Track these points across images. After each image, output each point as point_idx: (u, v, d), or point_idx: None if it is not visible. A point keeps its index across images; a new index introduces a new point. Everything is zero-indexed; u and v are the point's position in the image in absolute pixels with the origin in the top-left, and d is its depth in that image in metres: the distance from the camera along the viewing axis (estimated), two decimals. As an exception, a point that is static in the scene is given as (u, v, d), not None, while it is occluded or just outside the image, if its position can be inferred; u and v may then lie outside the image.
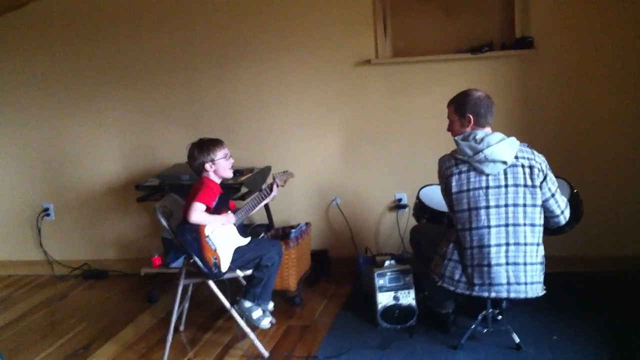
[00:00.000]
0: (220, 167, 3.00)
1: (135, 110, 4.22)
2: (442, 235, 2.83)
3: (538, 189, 2.61)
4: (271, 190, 3.17)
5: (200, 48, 4.04)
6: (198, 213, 2.87)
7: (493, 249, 2.61)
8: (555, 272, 2.85)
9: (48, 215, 4.45)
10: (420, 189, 3.37)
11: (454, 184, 2.65)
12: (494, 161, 2.59)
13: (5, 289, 4.29)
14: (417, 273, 3.15)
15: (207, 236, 2.91)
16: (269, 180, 3.20)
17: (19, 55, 4.31)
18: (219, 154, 2.99)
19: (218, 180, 3.04)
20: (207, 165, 2.98)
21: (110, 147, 4.30)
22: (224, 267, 2.95)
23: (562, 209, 2.70)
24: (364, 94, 3.89)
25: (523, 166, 2.62)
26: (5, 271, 4.55)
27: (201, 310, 3.53)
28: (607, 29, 3.52)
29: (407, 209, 3.86)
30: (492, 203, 2.61)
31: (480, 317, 2.82)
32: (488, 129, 2.71)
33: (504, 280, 2.61)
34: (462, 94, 2.76)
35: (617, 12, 3.49)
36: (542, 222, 2.66)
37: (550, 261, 2.77)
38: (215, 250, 2.92)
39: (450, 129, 2.82)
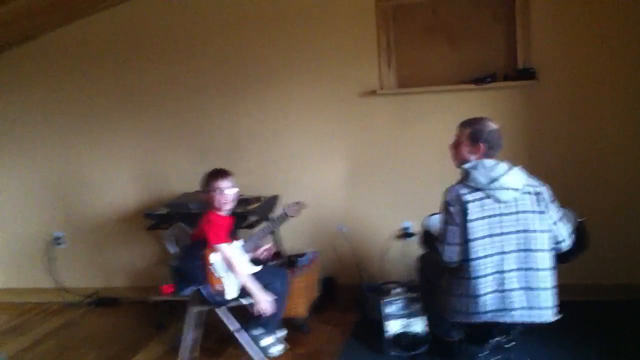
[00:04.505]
0: (213, 199, 3.05)
1: (147, 139, 4.30)
2: (449, 267, 2.85)
3: (545, 215, 2.66)
4: (281, 221, 3.20)
5: (209, 78, 4.14)
6: (228, 253, 2.93)
7: (508, 275, 2.64)
8: (565, 300, 2.86)
9: (59, 243, 4.51)
10: (426, 217, 3.41)
11: (471, 211, 2.65)
12: (508, 189, 2.64)
13: (18, 317, 4.33)
14: (424, 301, 3.17)
15: (212, 264, 2.96)
16: (279, 210, 3.25)
17: (32, 85, 4.41)
18: (214, 185, 3.05)
19: (223, 212, 3.08)
20: (203, 196, 3.06)
21: (120, 175, 4.38)
22: (229, 295, 2.98)
23: (564, 236, 2.74)
24: (369, 124, 3.96)
25: (530, 193, 2.67)
26: (17, 299, 4.60)
27: (210, 336, 3.53)
28: (609, 60, 3.59)
29: (413, 238, 3.90)
30: (506, 229, 2.64)
31: (488, 345, 2.83)
32: (493, 160, 2.77)
33: (518, 305, 2.64)
34: (479, 121, 2.79)
35: (618, 42, 3.56)
36: (551, 247, 2.70)
37: (560, 289, 2.79)
38: (219, 278, 2.96)
39: (454, 148, 2.85)
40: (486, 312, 2.66)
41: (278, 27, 3.99)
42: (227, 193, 3.06)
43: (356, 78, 3.93)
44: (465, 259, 2.69)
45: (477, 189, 2.68)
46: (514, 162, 2.80)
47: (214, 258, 2.97)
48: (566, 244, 2.76)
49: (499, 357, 2.86)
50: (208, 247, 2.97)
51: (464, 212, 2.67)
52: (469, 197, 2.68)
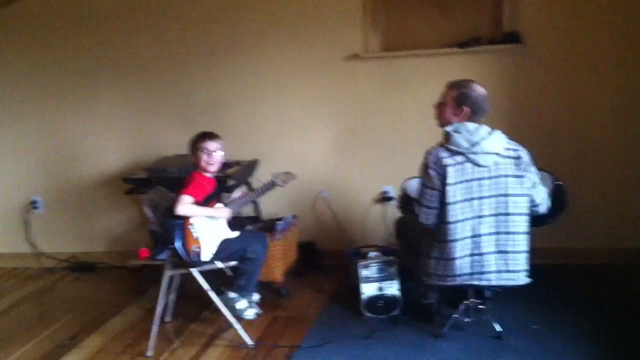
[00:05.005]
0: (199, 159, 3.05)
1: (127, 103, 4.23)
2: (426, 230, 2.84)
3: (525, 179, 2.65)
4: (268, 189, 3.18)
5: (192, 43, 4.06)
6: (183, 205, 2.90)
7: (485, 238, 2.64)
8: (540, 263, 2.88)
9: (36, 207, 4.45)
10: (405, 180, 3.39)
11: (451, 174, 2.64)
12: (488, 153, 2.62)
13: (-6, 281, 4.31)
14: (402, 264, 3.17)
15: (191, 224, 2.94)
16: (265, 174, 3.21)
17: (12, 49, 4.31)
18: (201, 146, 3.05)
19: (209, 174, 3.07)
20: (193, 157, 3.05)
21: (99, 139, 4.31)
22: (206, 256, 2.97)
23: (542, 197, 2.73)
24: (353, 88, 3.91)
25: (511, 157, 2.65)
26: (-7, 263, 4.56)
27: (188, 302, 3.52)
28: (596, 24, 3.55)
29: (393, 201, 3.88)
30: (485, 193, 2.63)
31: (462, 306, 2.84)
32: (475, 123, 2.73)
33: (494, 268, 2.65)
34: (466, 84, 2.76)
35: (606, 7, 3.52)
36: (528, 211, 2.69)
37: (536, 253, 2.79)
38: (197, 239, 2.94)
39: (438, 108, 2.82)
40: (461, 275, 2.68)
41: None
42: (215, 155, 3.06)
43: (340, 41, 3.86)
44: (442, 222, 2.68)
45: (457, 152, 2.65)
46: (496, 125, 2.77)
47: (194, 218, 2.94)
48: (543, 207, 2.76)
49: (472, 319, 2.87)
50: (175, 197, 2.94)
51: (443, 175, 2.65)
52: (449, 160, 2.65)
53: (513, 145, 2.70)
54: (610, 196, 3.69)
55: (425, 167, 2.73)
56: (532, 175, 2.70)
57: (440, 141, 2.74)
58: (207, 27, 4.02)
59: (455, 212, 2.65)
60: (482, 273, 2.66)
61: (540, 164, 2.76)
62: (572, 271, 3.59)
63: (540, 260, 2.85)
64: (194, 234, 2.94)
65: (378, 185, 3.96)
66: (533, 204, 2.71)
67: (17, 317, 3.62)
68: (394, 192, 3.90)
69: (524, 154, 2.68)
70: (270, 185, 3.20)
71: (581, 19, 3.56)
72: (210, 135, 3.11)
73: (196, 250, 2.93)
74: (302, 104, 3.99)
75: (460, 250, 2.66)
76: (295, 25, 3.90)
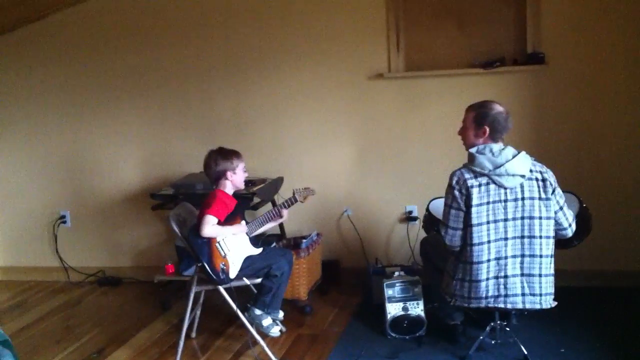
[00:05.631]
0: (239, 177, 3.07)
1: (153, 119, 4.31)
2: (451, 251, 2.85)
3: (551, 201, 2.64)
4: (289, 204, 3.20)
5: (216, 60, 4.12)
6: (209, 226, 2.92)
7: (510, 261, 2.64)
8: (566, 285, 2.87)
9: (64, 222, 4.54)
10: (430, 201, 3.41)
11: (475, 196, 2.65)
12: (513, 175, 2.62)
13: (22, 293, 4.37)
14: (427, 284, 3.17)
15: (218, 242, 2.97)
16: (288, 191, 3.24)
17: (41, 64, 4.41)
18: (240, 164, 3.07)
19: (231, 192, 3.09)
20: (229, 174, 3.04)
21: (127, 155, 4.38)
22: (232, 274, 3.00)
23: (569, 222, 2.73)
24: (376, 107, 3.94)
25: (537, 179, 2.65)
26: (22, 277, 4.63)
27: (213, 318, 3.57)
28: (618, 45, 3.55)
29: (417, 221, 3.89)
30: (510, 216, 2.64)
31: (488, 328, 2.84)
32: (501, 144, 2.75)
33: (519, 291, 2.65)
34: (484, 104, 2.78)
35: (629, 28, 3.52)
36: (554, 234, 2.68)
37: (562, 275, 2.78)
38: (224, 257, 2.98)
39: (462, 134, 2.85)
40: (486, 297, 2.67)
41: (285, 7, 3.97)
42: (244, 173, 3.09)
43: (364, 61, 3.91)
44: (467, 244, 2.68)
45: (482, 174, 2.66)
46: (519, 145, 2.78)
47: (221, 237, 2.98)
48: (570, 231, 2.74)
49: (498, 340, 2.86)
50: (199, 217, 2.97)
51: (468, 196, 2.66)
52: (473, 181, 2.67)
53: (539, 167, 2.70)
54: (633, 218, 3.65)
55: (451, 188, 2.74)
56: (559, 198, 2.69)
57: (465, 163, 2.76)
58: (231, 44, 4.08)
59: (480, 234, 2.66)
60: (507, 296, 2.66)
61: (563, 185, 2.75)
62: (600, 294, 3.56)
63: (568, 283, 2.84)
64: (221, 252, 2.97)
65: (401, 204, 3.97)
66: (561, 227, 2.71)
67: (45, 330, 3.67)
68: (417, 211, 3.91)
69: (550, 176, 2.68)
70: (291, 201, 3.22)
71: (604, 40, 3.56)
72: (237, 153, 3.10)
73: (223, 267, 2.96)
74: (326, 122, 4.03)
75: (485, 272, 2.66)
76: (320, 43, 3.95)
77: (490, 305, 2.69)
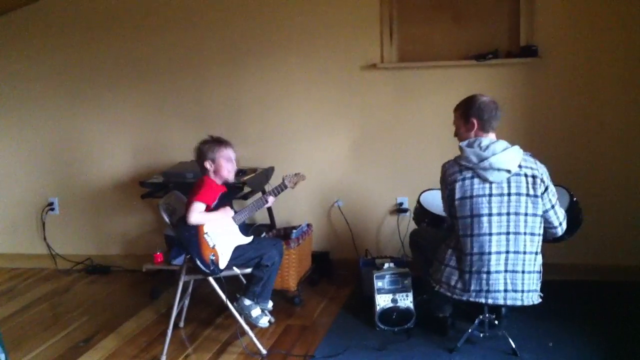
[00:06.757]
0: (220, 167, 3.00)
1: (143, 107, 4.27)
2: (441, 240, 2.86)
3: (539, 199, 2.62)
4: (279, 191, 3.18)
5: (209, 48, 4.09)
6: (196, 213, 2.90)
7: (493, 257, 2.63)
8: (554, 279, 2.87)
9: (52, 209, 4.50)
10: (421, 193, 3.40)
11: (457, 190, 2.65)
12: (498, 169, 2.61)
13: (9, 281, 4.34)
14: (416, 276, 3.17)
15: (206, 233, 2.95)
16: (279, 180, 3.21)
17: (32, 49, 4.36)
18: (222, 153, 3.00)
19: (219, 181, 3.06)
20: (207, 163, 3.00)
21: (117, 143, 4.35)
22: (222, 264, 2.98)
23: (560, 221, 2.73)
24: (369, 98, 3.92)
25: (526, 175, 2.62)
26: (9, 264, 4.59)
27: (202, 307, 3.57)
28: (611, 37, 3.54)
29: (407, 213, 3.89)
30: (494, 211, 2.62)
31: (477, 321, 2.84)
32: (492, 136, 2.73)
33: (502, 287, 2.64)
34: (467, 99, 2.78)
35: (622, 21, 3.52)
36: (541, 231, 2.67)
37: (550, 269, 2.78)
38: (213, 247, 2.95)
39: (456, 134, 2.85)
40: (468, 291, 2.67)
41: (279, -4, 3.93)
42: (228, 163, 3.02)
43: (358, 51, 3.88)
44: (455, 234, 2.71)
45: (467, 168, 2.66)
46: (512, 138, 2.77)
47: (209, 226, 2.95)
48: (560, 229, 2.74)
49: (487, 334, 2.87)
50: (187, 205, 2.93)
51: (451, 190, 2.68)
52: (457, 175, 2.68)
53: (530, 163, 2.66)
54: (626, 212, 3.66)
55: (440, 180, 2.78)
56: (552, 196, 2.67)
57: (457, 156, 2.76)
58: (225, 33, 4.05)
59: (464, 227, 2.66)
60: (489, 291, 2.64)
61: (555, 178, 2.74)
62: (589, 288, 3.57)
63: (556, 277, 2.84)
64: (210, 243, 2.95)
65: (392, 195, 3.97)
66: (551, 226, 2.71)
67: (32, 318, 3.65)
68: (408, 203, 3.91)
69: (541, 173, 2.64)
70: (281, 188, 3.18)
71: (598, 33, 3.55)
72: (226, 143, 3.05)
73: (212, 258, 2.94)
74: (318, 112, 4.01)
75: (469, 265, 2.66)
76: (313, 34, 3.92)
77: (471, 299, 2.68)
